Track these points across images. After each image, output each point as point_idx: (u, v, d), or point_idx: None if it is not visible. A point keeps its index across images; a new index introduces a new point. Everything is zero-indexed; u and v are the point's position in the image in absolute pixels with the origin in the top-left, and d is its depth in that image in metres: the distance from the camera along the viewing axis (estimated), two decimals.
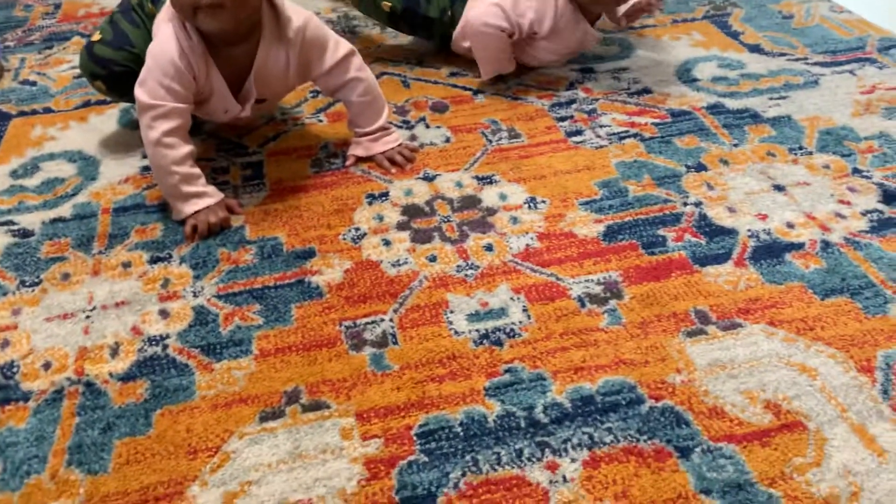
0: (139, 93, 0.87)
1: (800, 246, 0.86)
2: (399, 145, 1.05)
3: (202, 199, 0.91)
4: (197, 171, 0.92)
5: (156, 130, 0.87)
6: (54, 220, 0.95)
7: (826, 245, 0.86)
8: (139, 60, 0.96)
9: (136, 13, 1.01)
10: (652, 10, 1.18)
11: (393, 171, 1.02)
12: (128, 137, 1.11)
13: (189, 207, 0.91)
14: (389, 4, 1.21)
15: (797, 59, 1.23)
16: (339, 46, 0.97)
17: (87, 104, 1.20)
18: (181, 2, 0.83)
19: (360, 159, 1.04)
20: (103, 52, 1.00)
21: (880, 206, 0.91)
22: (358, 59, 0.99)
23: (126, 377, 0.74)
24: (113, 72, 1.01)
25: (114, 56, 1.00)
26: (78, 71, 1.28)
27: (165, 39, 0.87)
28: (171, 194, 0.91)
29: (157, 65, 0.86)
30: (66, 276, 0.86)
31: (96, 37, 1.02)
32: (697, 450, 0.65)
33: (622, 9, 1.17)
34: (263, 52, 0.91)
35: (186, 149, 0.90)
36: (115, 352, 0.76)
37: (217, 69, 0.90)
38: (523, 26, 1.11)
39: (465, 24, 1.16)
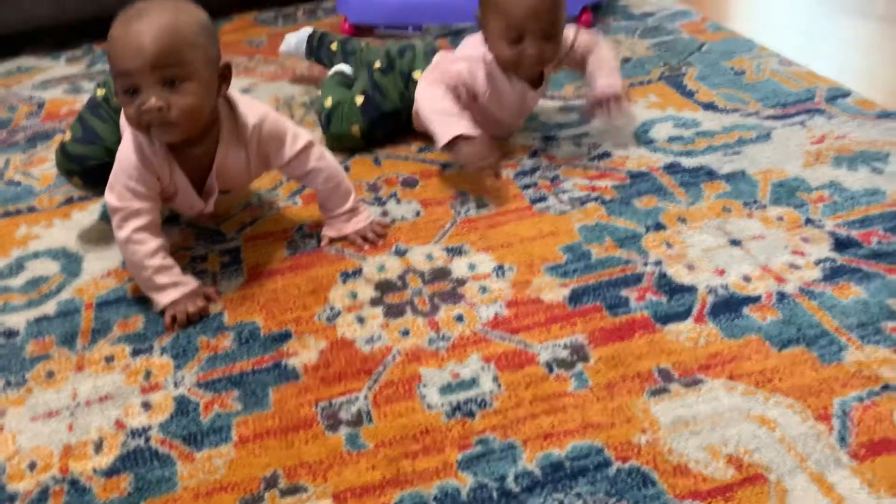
0: (108, 197, 0.92)
1: (756, 299, 0.89)
2: (370, 223, 1.09)
3: (177, 288, 0.94)
4: (170, 262, 0.95)
5: (125, 229, 0.92)
6: (39, 319, 0.98)
7: (781, 296, 0.89)
8: (110, 153, 1.01)
9: (103, 108, 1.07)
10: (612, 109, 1.19)
11: (366, 247, 1.06)
12: (109, 232, 1.13)
13: (165, 298, 0.94)
14: (358, 126, 1.27)
15: (749, 114, 1.28)
16: (298, 139, 1.01)
17: (69, 201, 1.24)
18: (133, 121, 0.88)
19: (333, 239, 1.08)
20: (75, 150, 1.06)
21: (832, 255, 0.95)
22: (317, 150, 1.03)
23: (110, 472, 0.76)
24: (87, 167, 1.06)
25: (86, 152, 1.05)
26: None
27: (128, 145, 0.92)
28: (147, 287, 0.95)
29: (122, 169, 0.92)
30: (50, 374, 0.89)
31: (67, 136, 1.08)
32: None
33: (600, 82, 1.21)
34: (223, 150, 0.96)
35: (156, 242, 0.94)
36: (98, 447, 0.79)
37: (180, 169, 0.95)
38: (460, 82, 1.15)
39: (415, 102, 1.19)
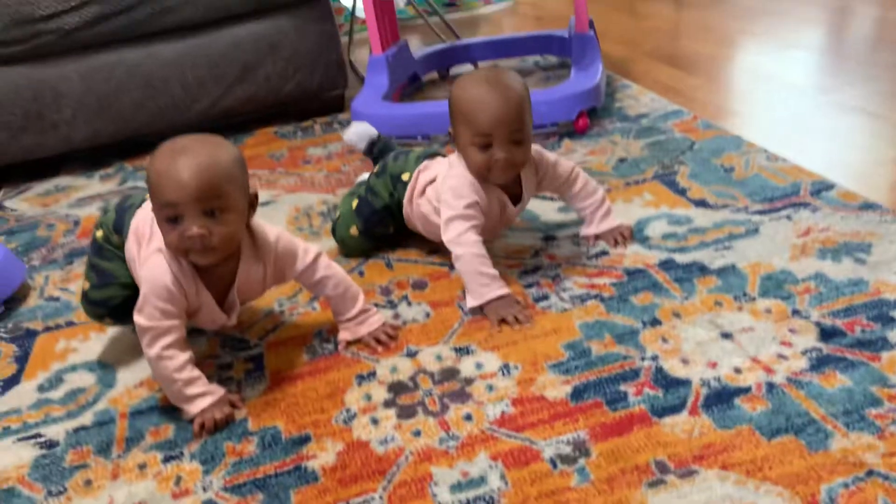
0: (138, 318, 1.00)
1: (747, 390, 0.94)
2: (382, 325, 1.16)
3: (205, 398, 1.01)
4: (197, 373, 1.03)
5: (155, 347, 1.00)
6: (77, 429, 1.05)
7: (770, 387, 0.94)
8: (126, 287, 1.13)
9: (107, 249, 1.16)
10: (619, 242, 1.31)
11: (379, 349, 1.13)
12: (140, 344, 1.23)
13: (194, 408, 1.01)
14: (354, 227, 1.37)
15: (739, 210, 1.36)
16: (308, 253, 1.11)
17: None
18: (173, 246, 0.97)
19: (349, 342, 1.15)
20: (96, 296, 1.16)
21: (818, 344, 1.00)
22: (324, 260, 1.13)
23: None
24: (111, 307, 1.16)
25: (106, 295, 1.15)
26: None
27: (158, 268, 1.00)
28: (176, 398, 1.02)
29: (151, 291, 0.99)
30: (88, 483, 0.95)
31: (85, 285, 1.17)
32: None
33: (590, 230, 1.32)
34: (244, 269, 1.05)
35: (185, 356, 1.01)
36: None
37: (204, 287, 1.04)
38: (476, 207, 1.19)
39: (450, 250, 1.21)
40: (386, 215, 1.36)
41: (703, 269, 1.21)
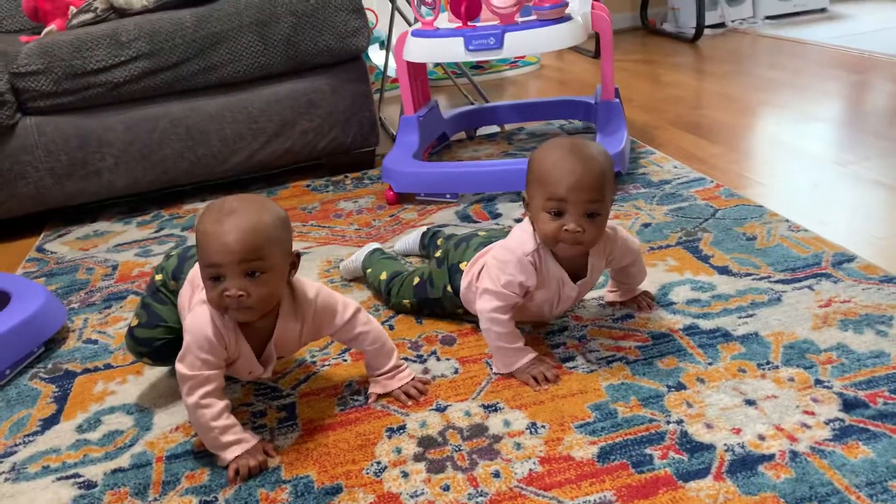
0: (179, 367, 1.04)
1: (770, 457, 0.96)
2: (412, 379, 1.19)
3: (240, 445, 1.05)
4: (233, 420, 1.06)
5: (195, 396, 1.03)
6: (115, 471, 1.08)
7: (794, 455, 0.96)
8: (173, 331, 1.18)
9: (162, 293, 1.21)
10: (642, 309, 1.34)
11: (409, 403, 1.16)
12: (177, 389, 1.26)
13: (229, 454, 1.04)
14: (409, 302, 1.41)
15: (761, 278, 1.40)
16: (347, 308, 1.14)
17: None
18: (214, 303, 1.02)
19: (379, 396, 1.18)
20: (143, 334, 1.21)
21: (841, 415, 1.02)
22: (363, 316, 1.16)
23: None
24: (154, 348, 1.21)
25: (152, 335, 1.20)
26: None
27: (201, 319, 1.04)
28: (212, 446, 1.05)
29: (194, 341, 1.03)
30: None
31: (134, 322, 1.22)
32: None
33: (614, 296, 1.36)
34: (282, 324, 1.09)
35: (221, 405, 1.05)
36: None
37: (244, 339, 1.08)
38: (517, 287, 1.17)
39: (477, 312, 1.22)
40: (437, 304, 1.38)
41: (726, 336, 1.23)
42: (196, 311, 1.07)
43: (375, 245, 1.58)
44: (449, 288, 1.32)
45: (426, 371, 1.24)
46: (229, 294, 0.99)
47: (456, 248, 1.33)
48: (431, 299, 1.37)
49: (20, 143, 1.98)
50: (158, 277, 1.22)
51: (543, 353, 1.24)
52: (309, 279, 1.15)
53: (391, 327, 1.38)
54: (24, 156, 1.99)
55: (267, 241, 1.00)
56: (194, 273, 1.13)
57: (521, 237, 1.19)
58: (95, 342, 1.46)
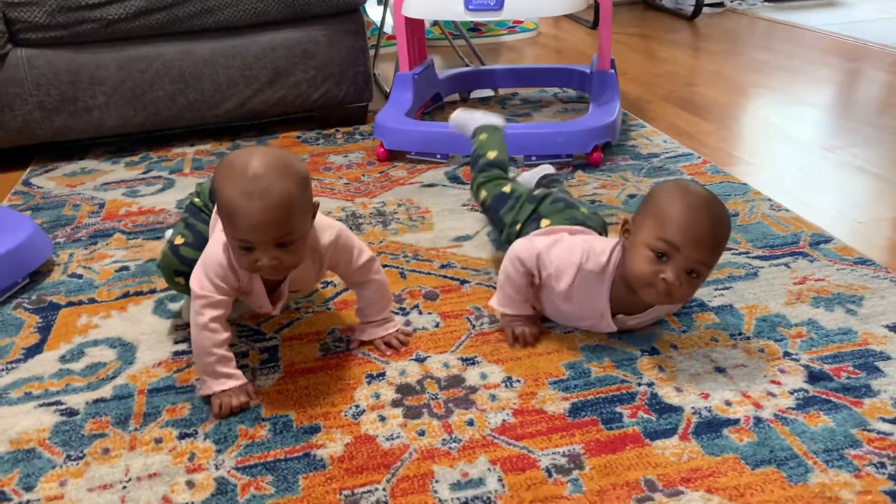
0: (193, 283, 1.05)
1: (735, 422, 1.00)
2: (396, 331, 1.22)
3: (230, 380, 1.07)
4: (230, 355, 1.08)
5: (204, 316, 1.04)
6: (97, 401, 1.10)
7: (758, 420, 1.00)
8: None
9: (204, 213, 1.21)
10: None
11: (389, 353, 1.19)
12: (160, 326, 1.28)
13: (217, 386, 1.06)
14: (486, 194, 1.40)
15: (740, 254, 1.43)
16: (362, 254, 1.15)
17: (126, 295, 1.38)
18: (244, 266, 1.02)
19: (361, 342, 1.21)
20: (188, 253, 1.15)
21: (806, 386, 1.06)
22: (376, 264, 1.18)
23: None
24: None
25: (197, 255, 1.12)
26: (119, 265, 1.49)
27: (217, 247, 1.05)
28: (205, 371, 1.07)
29: (209, 264, 1.04)
30: (106, 451, 1.00)
31: (179, 240, 1.17)
32: None
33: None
34: (299, 267, 1.08)
35: (225, 335, 1.06)
36: None
37: (259, 276, 1.08)
38: (543, 275, 1.17)
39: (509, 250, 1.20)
40: (498, 223, 1.37)
41: (702, 306, 1.27)
42: (217, 237, 1.07)
43: (503, 123, 1.57)
44: (518, 226, 1.29)
45: (408, 324, 1.26)
46: (260, 264, 0.99)
47: (553, 204, 1.29)
48: (499, 215, 1.37)
49: (9, 74, 1.96)
50: (197, 200, 1.22)
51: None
52: (329, 218, 1.15)
53: None
54: (14, 87, 1.97)
55: (294, 214, 0.98)
56: None
57: (604, 253, 1.12)
58: (80, 276, 1.46)
